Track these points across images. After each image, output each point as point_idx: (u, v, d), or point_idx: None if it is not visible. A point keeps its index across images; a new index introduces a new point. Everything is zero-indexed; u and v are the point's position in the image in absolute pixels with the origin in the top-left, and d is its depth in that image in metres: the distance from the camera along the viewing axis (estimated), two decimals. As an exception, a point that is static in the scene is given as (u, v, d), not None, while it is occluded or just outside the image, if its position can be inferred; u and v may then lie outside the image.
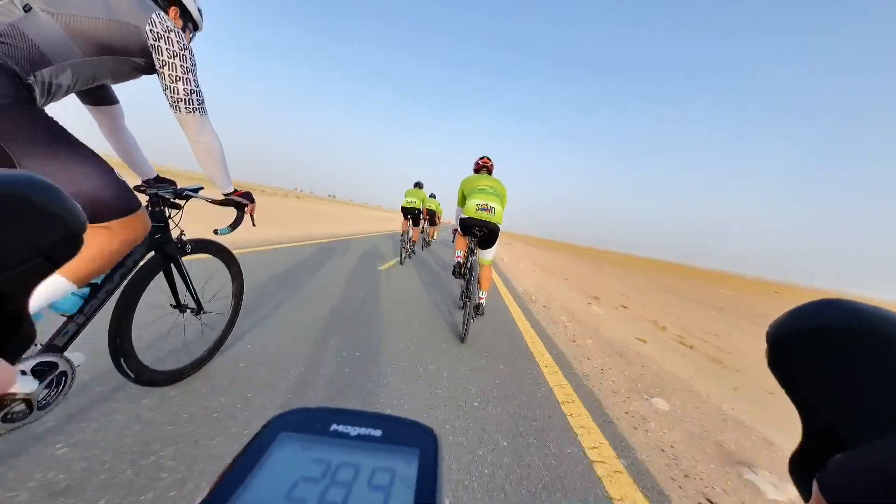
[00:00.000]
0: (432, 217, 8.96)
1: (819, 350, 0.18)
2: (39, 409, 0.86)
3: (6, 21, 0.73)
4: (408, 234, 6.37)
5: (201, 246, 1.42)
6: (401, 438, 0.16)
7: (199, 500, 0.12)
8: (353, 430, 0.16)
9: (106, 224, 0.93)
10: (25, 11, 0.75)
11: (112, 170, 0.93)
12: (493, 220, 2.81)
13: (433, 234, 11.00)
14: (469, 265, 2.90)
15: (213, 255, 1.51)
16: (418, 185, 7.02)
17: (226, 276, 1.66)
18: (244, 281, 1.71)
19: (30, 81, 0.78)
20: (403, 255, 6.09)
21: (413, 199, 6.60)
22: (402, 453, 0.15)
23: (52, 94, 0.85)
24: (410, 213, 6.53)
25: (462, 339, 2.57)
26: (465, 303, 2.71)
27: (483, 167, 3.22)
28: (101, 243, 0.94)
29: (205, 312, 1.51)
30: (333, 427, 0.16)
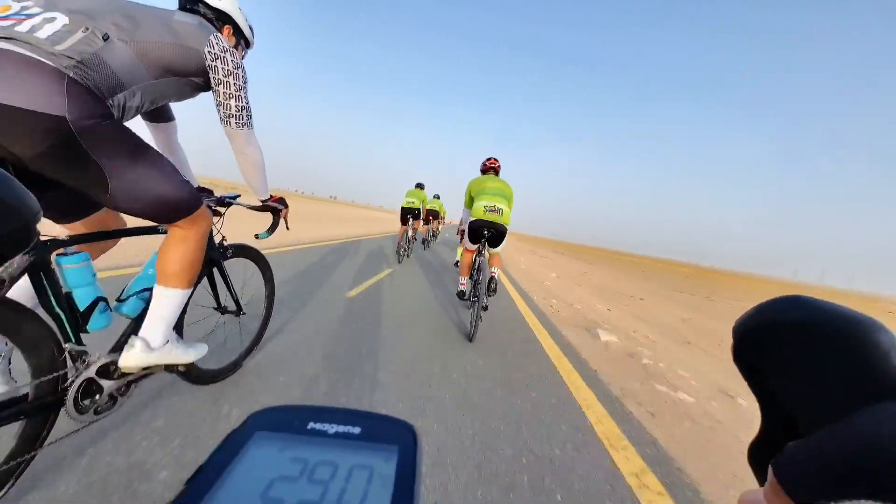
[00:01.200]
0: (435, 217, 9.06)
1: (779, 343, 0.19)
2: (121, 395, 0.96)
3: (90, 51, 0.79)
4: (406, 234, 6.45)
5: (240, 251, 1.50)
6: (380, 436, 0.16)
7: (172, 498, 0.12)
8: (331, 428, 0.16)
9: (180, 223, 1.03)
10: (105, 41, 0.82)
11: (179, 173, 1.01)
12: (500, 221, 2.83)
13: (437, 228, 11.00)
14: (477, 266, 2.90)
15: (250, 259, 1.60)
16: (419, 186, 7.09)
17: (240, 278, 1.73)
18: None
19: (110, 104, 0.85)
20: (402, 255, 6.18)
21: (413, 200, 6.66)
22: (381, 451, 0.15)
23: (124, 115, 0.92)
24: (410, 214, 6.58)
25: (470, 339, 2.58)
26: (473, 303, 2.74)
27: (490, 168, 3.22)
28: (183, 246, 1.05)
29: (244, 314, 1.59)
30: (311, 425, 0.16)
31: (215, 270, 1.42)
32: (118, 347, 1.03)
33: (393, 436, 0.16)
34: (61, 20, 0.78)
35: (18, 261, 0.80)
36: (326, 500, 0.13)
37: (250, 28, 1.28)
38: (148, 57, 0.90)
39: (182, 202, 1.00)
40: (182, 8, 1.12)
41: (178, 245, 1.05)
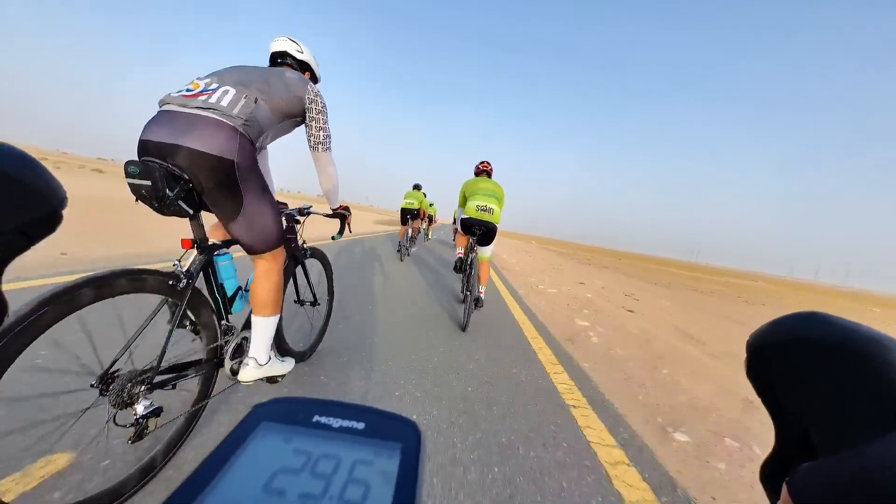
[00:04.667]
0: (429, 217, 9.35)
1: (796, 361, 0.18)
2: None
3: (249, 111, 1.10)
4: (407, 234, 6.76)
5: (314, 252, 1.81)
6: (383, 432, 0.16)
7: (178, 486, 0.13)
8: (336, 422, 0.16)
9: (265, 256, 1.22)
10: (255, 103, 1.12)
11: (280, 213, 1.28)
12: (490, 220, 3.05)
13: (427, 229, 11.59)
14: (469, 261, 3.13)
15: (318, 260, 1.89)
16: (416, 187, 7.34)
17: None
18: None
19: (258, 146, 1.16)
20: (402, 254, 6.51)
21: (412, 201, 6.94)
22: (384, 447, 0.15)
23: (260, 151, 1.23)
24: (409, 214, 6.87)
25: (463, 329, 2.80)
26: (465, 296, 2.95)
27: (483, 171, 3.48)
28: (269, 278, 1.24)
29: (318, 304, 1.88)
30: (316, 418, 0.16)
31: (298, 269, 1.71)
32: (246, 326, 1.33)
33: (397, 433, 0.16)
34: (231, 92, 1.08)
35: (199, 259, 1.09)
36: (328, 494, 0.13)
37: (318, 65, 1.60)
38: (277, 108, 1.21)
39: (277, 236, 1.23)
40: (273, 62, 1.44)
41: (266, 278, 1.24)
